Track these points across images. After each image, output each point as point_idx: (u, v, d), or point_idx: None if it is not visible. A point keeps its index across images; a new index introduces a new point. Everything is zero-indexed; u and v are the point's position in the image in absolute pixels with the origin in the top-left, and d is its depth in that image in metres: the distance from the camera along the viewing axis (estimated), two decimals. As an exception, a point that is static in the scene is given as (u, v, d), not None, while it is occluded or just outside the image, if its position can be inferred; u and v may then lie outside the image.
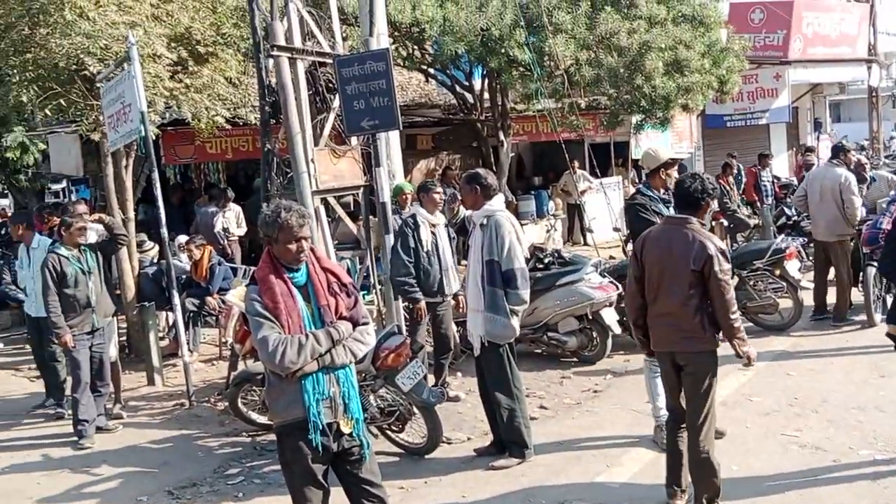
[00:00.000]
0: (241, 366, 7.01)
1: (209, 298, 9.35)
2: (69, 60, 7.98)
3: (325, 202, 7.65)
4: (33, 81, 8.45)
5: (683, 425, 4.57)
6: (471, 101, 13.93)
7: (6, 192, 18.73)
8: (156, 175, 7.65)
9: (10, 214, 17.12)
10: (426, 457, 5.82)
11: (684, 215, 4.51)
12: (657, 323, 4.59)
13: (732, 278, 4.80)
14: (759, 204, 13.79)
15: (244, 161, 15.12)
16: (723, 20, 13.53)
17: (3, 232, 14.32)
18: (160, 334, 9.09)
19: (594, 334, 7.99)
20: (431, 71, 13.77)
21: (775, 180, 14.33)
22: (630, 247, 12.98)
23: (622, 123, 13.38)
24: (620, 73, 11.40)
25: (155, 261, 9.96)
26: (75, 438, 6.67)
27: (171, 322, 9.49)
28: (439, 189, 7.20)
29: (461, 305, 7.17)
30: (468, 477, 5.46)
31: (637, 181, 17.12)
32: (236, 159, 14.48)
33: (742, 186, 14.31)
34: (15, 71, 8.59)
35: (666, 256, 4.48)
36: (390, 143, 7.92)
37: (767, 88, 18.68)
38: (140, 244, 9.87)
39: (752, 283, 8.48)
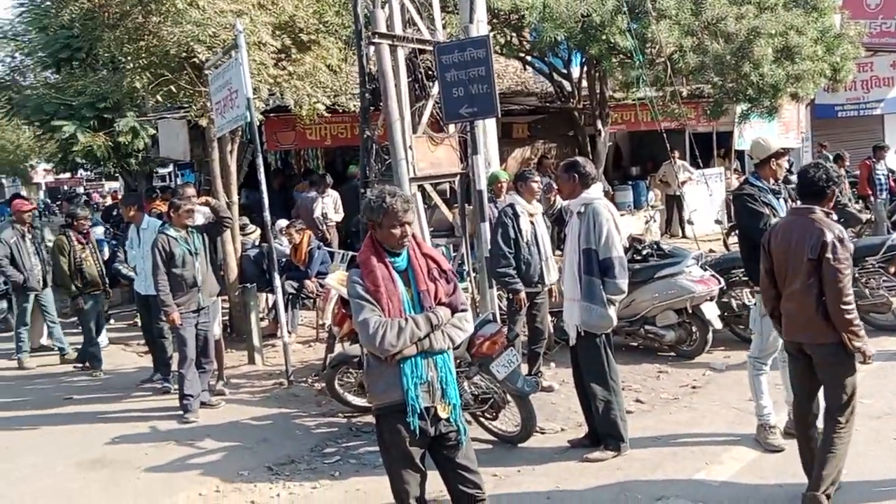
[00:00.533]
0: (338, 348, 7.14)
1: (308, 282, 9.56)
2: (179, 48, 8.25)
3: (421, 189, 7.70)
4: (146, 68, 8.78)
5: (809, 421, 4.54)
6: (568, 88, 13.77)
7: (117, 175, 19.61)
8: (259, 160, 7.83)
9: (120, 197, 17.96)
10: (519, 446, 5.79)
11: (808, 205, 4.43)
12: (785, 313, 4.56)
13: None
14: (872, 198, 13.13)
15: (342, 148, 15.36)
16: (837, 5, 13.00)
17: (114, 213, 15.04)
18: (260, 315, 9.34)
19: (693, 329, 7.78)
20: (529, 58, 13.66)
21: (890, 174, 13.61)
22: (732, 239, 12.68)
23: (726, 112, 12.97)
24: (727, 60, 11.05)
25: (256, 244, 10.25)
26: (181, 412, 6.93)
27: (271, 303, 9.77)
28: (537, 178, 7.10)
29: (554, 295, 7.11)
30: (561, 468, 5.40)
31: (740, 171, 16.61)
32: (335, 146, 14.71)
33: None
34: (129, 58, 8.95)
35: (789, 247, 4.42)
36: (487, 131, 7.89)
37: (883, 77, 17.84)
38: (242, 227, 10.15)
39: (863, 280, 8.05)
